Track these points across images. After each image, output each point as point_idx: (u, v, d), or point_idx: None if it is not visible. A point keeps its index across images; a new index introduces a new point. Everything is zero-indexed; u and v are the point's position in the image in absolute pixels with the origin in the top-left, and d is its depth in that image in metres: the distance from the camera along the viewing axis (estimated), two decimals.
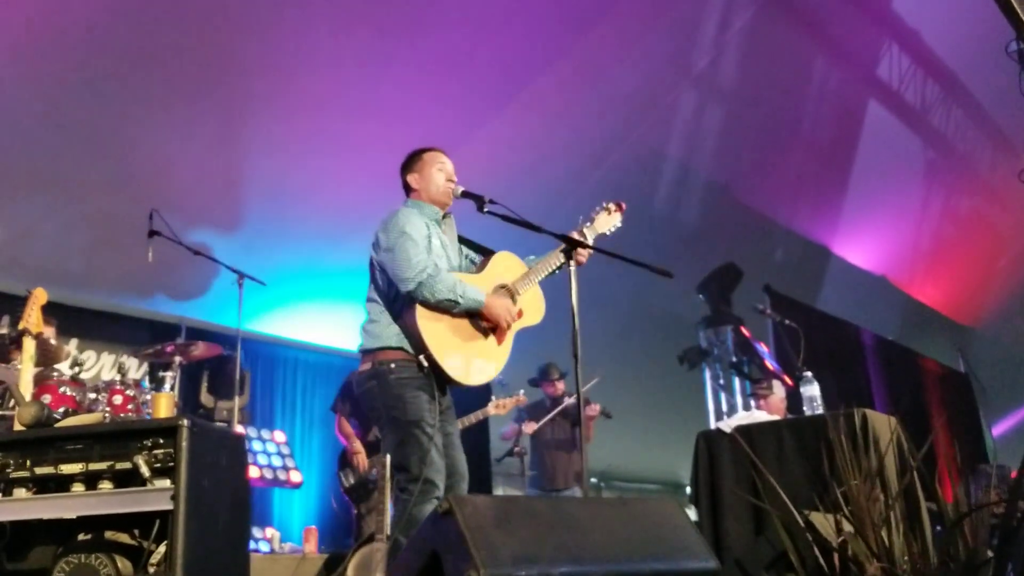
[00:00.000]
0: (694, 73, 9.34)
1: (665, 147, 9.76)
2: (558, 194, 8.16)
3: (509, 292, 3.73)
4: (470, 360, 3.51)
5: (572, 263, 3.66)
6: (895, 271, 12.80)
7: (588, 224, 3.98)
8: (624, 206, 4.08)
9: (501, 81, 7.96)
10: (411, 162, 3.90)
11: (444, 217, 3.89)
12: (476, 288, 3.56)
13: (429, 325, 3.45)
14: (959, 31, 9.61)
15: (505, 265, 3.83)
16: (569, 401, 7.14)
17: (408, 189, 3.89)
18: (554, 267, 3.85)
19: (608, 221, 4.05)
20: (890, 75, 11.02)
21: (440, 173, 3.84)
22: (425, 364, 3.40)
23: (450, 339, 3.49)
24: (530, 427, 7.07)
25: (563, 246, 3.73)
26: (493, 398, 6.38)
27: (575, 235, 3.80)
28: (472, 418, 6.04)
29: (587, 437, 7.19)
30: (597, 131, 8.95)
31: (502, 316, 3.57)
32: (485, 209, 3.71)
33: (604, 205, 4.08)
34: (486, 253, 3.92)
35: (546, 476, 7.16)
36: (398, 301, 3.54)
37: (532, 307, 3.79)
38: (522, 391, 6.68)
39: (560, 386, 7.33)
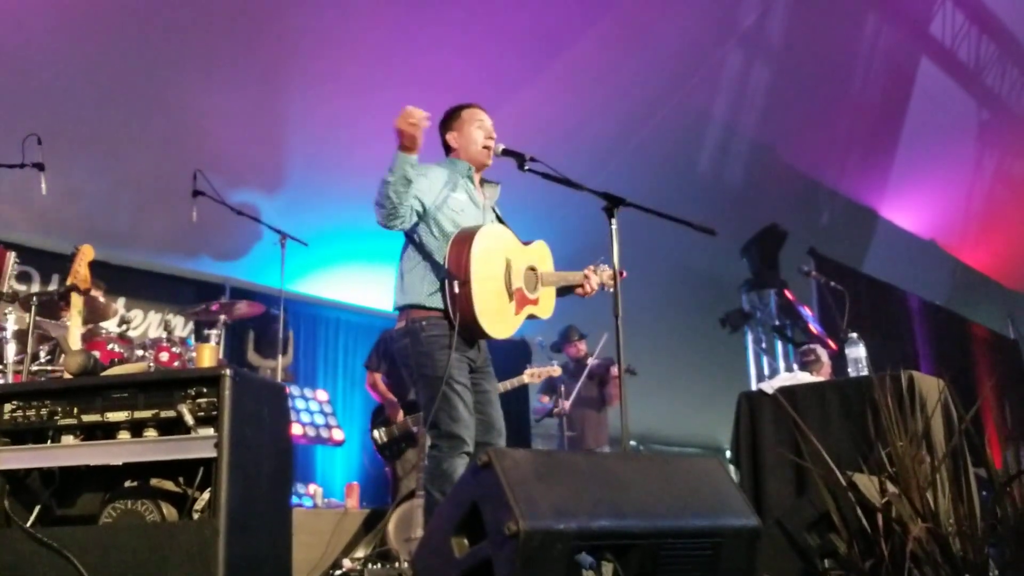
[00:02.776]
0: (740, 31, 9.15)
1: (710, 107, 9.60)
2: (601, 155, 8.09)
3: (536, 277, 3.74)
4: (496, 312, 3.53)
5: (613, 223, 3.62)
6: (945, 235, 12.54)
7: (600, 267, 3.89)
8: (625, 275, 3.97)
9: (542, 41, 7.87)
10: (449, 120, 3.84)
11: (487, 183, 3.85)
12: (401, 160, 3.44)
13: (479, 266, 3.46)
14: None
15: (540, 254, 3.84)
16: (593, 362, 7.16)
17: (447, 148, 3.84)
18: (571, 283, 3.82)
19: (608, 281, 3.85)
20: (943, 32, 10.71)
21: (479, 131, 3.77)
22: (457, 290, 3.40)
23: (489, 285, 3.51)
24: (564, 405, 7.12)
25: (583, 272, 3.76)
26: (528, 367, 6.42)
27: (589, 274, 3.77)
28: (508, 385, 6.06)
29: (614, 396, 7.25)
30: (640, 91, 8.82)
31: (405, 124, 3.39)
32: (526, 167, 3.67)
33: (608, 268, 3.89)
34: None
35: (576, 437, 7.21)
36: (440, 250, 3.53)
37: (546, 303, 3.82)
38: (555, 362, 6.71)
39: (582, 347, 7.39)
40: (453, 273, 3.45)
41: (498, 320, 3.54)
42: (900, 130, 11.06)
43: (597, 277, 3.87)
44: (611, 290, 3.90)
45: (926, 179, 11.66)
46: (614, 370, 6.80)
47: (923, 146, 11.20)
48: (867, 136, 10.79)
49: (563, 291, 3.90)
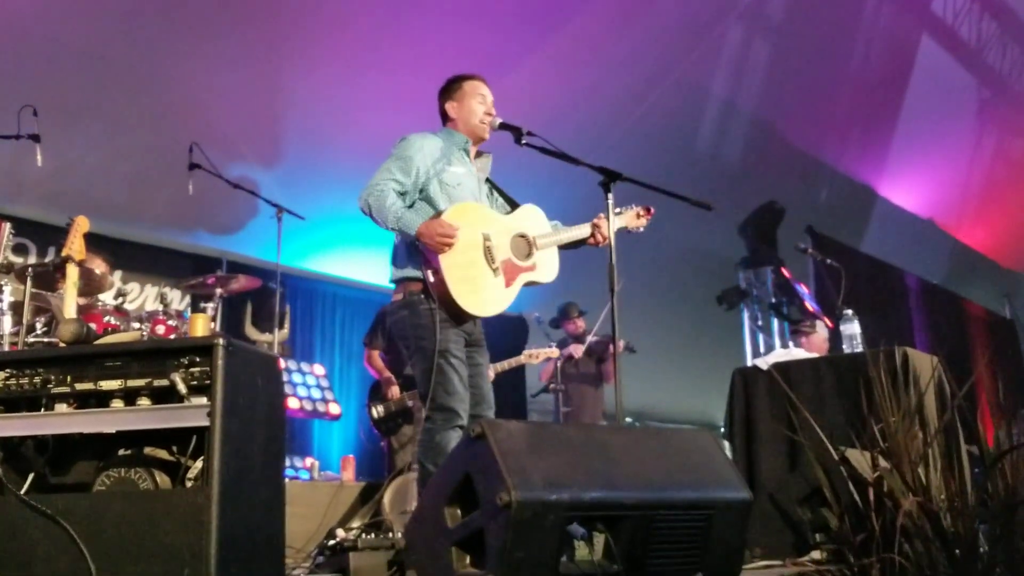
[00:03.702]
0: (740, 6, 9.09)
1: (709, 83, 9.56)
2: (598, 130, 8.05)
3: (528, 242, 3.69)
4: (478, 291, 3.49)
5: (610, 197, 3.61)
6: (943, 214, 12.53)
7: (616, 213, 3.88)
8: (652, 212, 3.98)
9: (540, 15, 7.82)
10: (450, 90, 3.81)
11: (480, 155, 3.84)
12: (413, 218, 3.47)
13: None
14: None
15: (531, 218, 3.78)
16: (592, 339, 7.18)
17: (445, 117, 3.82)
18: (577, 238, 3.81)
19: (634, 221, 3.97)
20: (945, 10, 10.65)
21: (480, 105, 3.75)
22: (431, 278, 3.40)
23: (463, 266, 3.48)
24: (577, 350, 7.12)
25: (592, 221, 3.75)
26: (527, 348, 6.44)
27: (598, 221, 3.75)
28: (505, 364, 6.07)
29: (610, 373, 7.26)
30: (638, 67, 8.77)
31: (435, 241, 3.40)
32: (523, 141, 3.66)
33: (635, 206, 3.98)
34: (513, 205, 3.89)
35: (572, 413, 7.23)
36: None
37: (547, 265, 3.75)
38: (553, 344, 6.71)
39: (581, 324, 7.40)
40: (426, 262, 3.46)
41: (483, 299, 3.51)
42: (900, 108, 11.02)
43: (619, 220, 3.85)
44: (638, 230, 3.94)
45: (925, 158, 11.64)
46: (612, 348, 6.78)
47: (923, 124, 11.16)
48: (867, 114, 10.75)
49: (572, 245, 3.85)
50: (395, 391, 5.95)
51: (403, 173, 3.54)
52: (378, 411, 6.01)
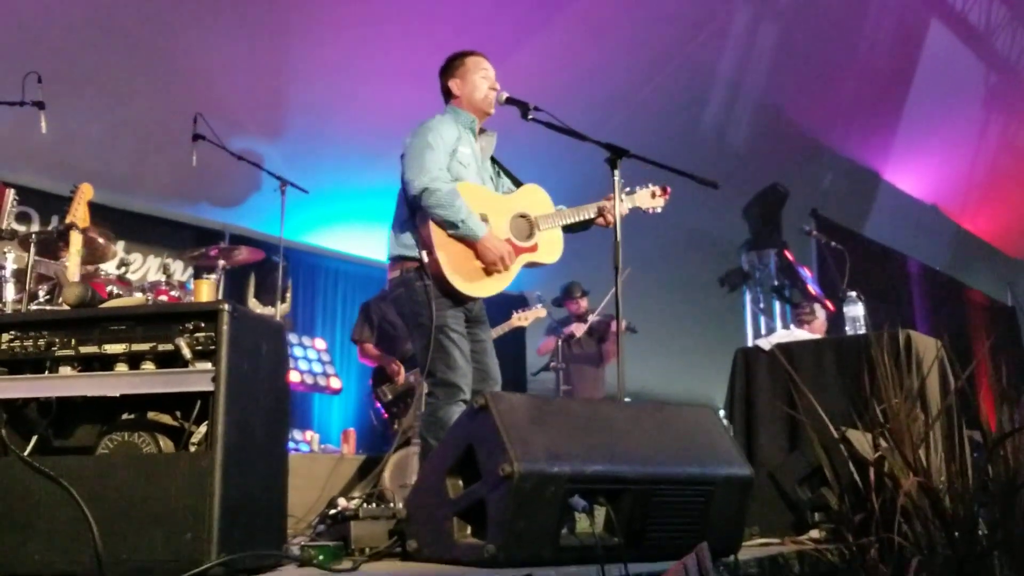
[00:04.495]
0: None
1: (715, 65, 9.51)
2: (603, 111, 8.01)
3: (529, 223, 3.66)
4: (473, 272, 3.47)
5: (616, 175, 3.59)
6: (947, 200, 12.50)
7: (627, 192, 3.85)
8: (669, 192, 3.93)
9: None
10: (452, 66, 3.78)
11: (483, 132, 3.82)
12: (480, 223, 3.47)
13: (440, 233, 3.43)
14: None
15: (533, 198, 3.75)
16: (593, 318, 7.18)
17: (448, 95, 3.78)
18: (583, 218, 3.75)
19: (649, 201, 3.90)
20: None
21: (484, 80, 3.73)
22: (425, 259, 3.39)
23: (458, 246, 3.46)
24: (579, 328, 7.12)
25: (599, 202, 3.71)
26: (515, 311, 6.43)
27: (607, 203, 3.70)
28: (499, 330, 6.08)
29: (611, 353, 7.27)
30: (645, 47, 8.72)
31: (494, 258, 3.46)
32: (530, 116, 3.64)
33: (650, 185, 3.92)
34: (517, 184, 3.86)
35: (572, 393, 7.24)
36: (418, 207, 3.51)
37: (549, 246, 3.71)
38: (540, 304, 6.70)
39: (583, 303, 7.39)
40: (421, 244, 3.45)
41: (480, 280, 3.50)
42: (907, 93, 10.96)
43: (632, 200, 3.82)
44: (654, 211, 3.90)
45: (930, 143, 11.59)
46: (615, 326, 6.78)
47: (929, 110, 11.11)
48: (873, 98, 10.69)
49: (578, 226, 3.81)
50: (400, 372, 5.97)
51: (444, 157, 3.51)
52: (385, 394, 6.04)
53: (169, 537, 1.95)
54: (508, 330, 6.29)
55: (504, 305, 8.28)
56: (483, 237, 3.45)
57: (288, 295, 6.82)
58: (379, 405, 6.10)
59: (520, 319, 6.39)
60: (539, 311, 6.54)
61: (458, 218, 3.41)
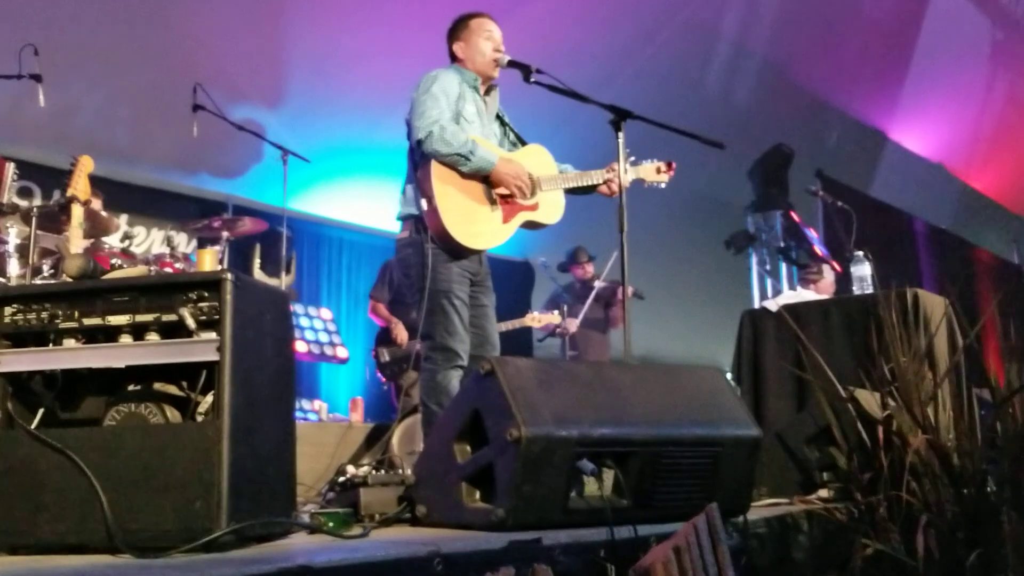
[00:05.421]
0: None
1: (719, 23, 9.39)
2: (607, 72, 7.93)
3: (532, 181, 3.63)
4: (471, 223, 3.46)
5: (620, 137, 3.56)
6: (953, 158, 12.40)
7: (632, 163, 3.80)
8: (674, 168, 3.87)
9: None
10: (457, 29, 3.76)
11: (489, 91, 3.79)
12: (491, 152, 3.47)
13: (441, 182, 3.41)
14: None
15: (537, 158, 3.72)
16: (600, 284, 7.17)
17: (453, 58, 3.77)
18: (587, 183, 3.72)
19: (654, 175, 3.84)
20: None
21: (488, 42, 3.70)
22: (424, 207, 3.38)
23: (458, 197, 3.45)
24: (572, 324, 7.14)
25: (605, 170, 3.68)
26: (531, 311, 6.54)
27: (616, 167, 3.63)
28: (508, 326, 6.10)
29: (617, 319, 7.27)
30: (647, 6, 8.62)
31: (510, 180, 3.47)
32: (532, 79, 3.61)
33: (655, 161, 3.86)
34: (522, 143, 3.83)
35: (578, 357, 7.26)
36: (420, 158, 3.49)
37: (550, 207, 3.69)
38: (556, 311, 6.72)
39: (589, 268, 7.42)
40: (422, 192, 3.42)
41: (477, 231, 3.47)
42: (912, 50, 10.84)
43: (636, 172, 3.78)
44: (660, 185, 3.87)
45: (936, 101, 11.48)
46: (620, 292, 6.80)
47: (935, 67, 10.99)
48: (878, 56, 10.57)
49: (581, 191, 3.79)
50: (403, 335, 5.98)
51: (447, 107, 3.50)
52: (383, 355, 6.06)
53: (179, 507, 1.95)
54: (518, 327, 6.33)
55: (513, 275, 8.30)
56: (498, 163, 3.46)
57: (293, 265, 6.82)
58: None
59: (533, 320, 6.46)
60: (554, 316, 6.58)
61: (467, 150, 3.40)
